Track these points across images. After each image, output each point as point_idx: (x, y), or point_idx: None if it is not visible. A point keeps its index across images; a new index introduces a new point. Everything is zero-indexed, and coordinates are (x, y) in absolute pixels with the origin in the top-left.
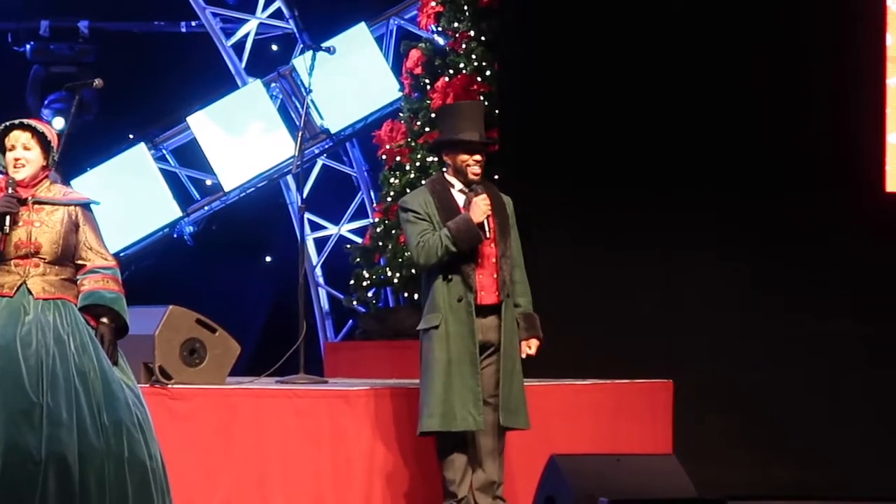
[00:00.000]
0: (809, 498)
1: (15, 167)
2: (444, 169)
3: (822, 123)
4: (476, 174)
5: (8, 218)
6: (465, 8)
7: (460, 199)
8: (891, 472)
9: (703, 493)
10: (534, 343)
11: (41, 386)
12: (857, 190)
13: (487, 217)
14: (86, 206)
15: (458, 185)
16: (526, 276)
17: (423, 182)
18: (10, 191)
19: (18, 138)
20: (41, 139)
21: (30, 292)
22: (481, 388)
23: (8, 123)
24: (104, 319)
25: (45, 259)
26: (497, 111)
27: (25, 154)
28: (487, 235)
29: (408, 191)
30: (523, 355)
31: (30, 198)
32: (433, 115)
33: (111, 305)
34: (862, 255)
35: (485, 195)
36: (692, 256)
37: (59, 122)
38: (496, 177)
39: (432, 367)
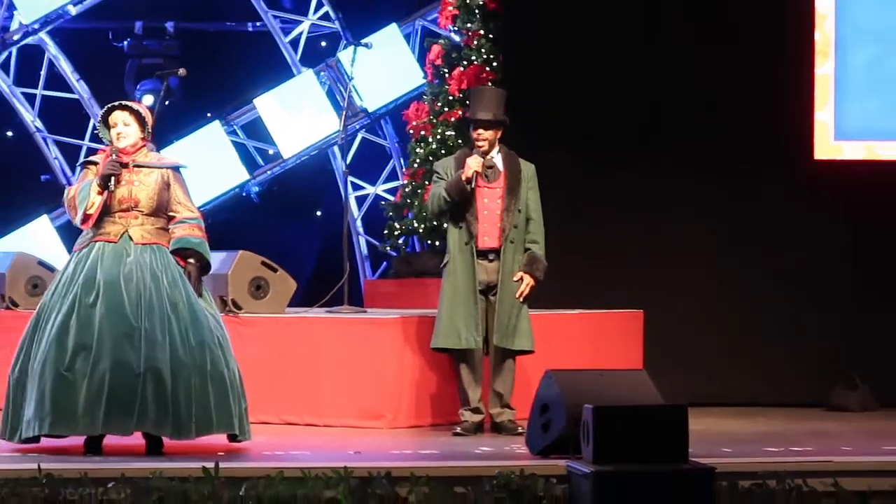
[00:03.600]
0: (756, 404)
1: (118, 139)
2: None
3: (765, 104)
4: (480, 146)
5: (113, 178)
6: (476, 11)
7: None
8: (806, 382)
9: (668, 401)
10: (526, 278)
11: (140, 313)
12: (791, 156)
13: (476, 174)
14: (176, 168)
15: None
16: (542, 230)
17: (443, 151)
18: (114, 157)
19: (119, 117)
20: (138, 116)
21: (131, 239)
22: (481, 316)
23: (111, 105)
24: (191, 260)
25: (142, 212)
26: None
27: (125, 129)
28: (471, 187)
29: (431, 159)
30: (517, 293)
31: (130, 162)
32: (451, 98)
33: (197, 248)
34: (796, 208)
35: (477, 157)
36: (661, 217)
37: (147, 99)
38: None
39: (442, 297)
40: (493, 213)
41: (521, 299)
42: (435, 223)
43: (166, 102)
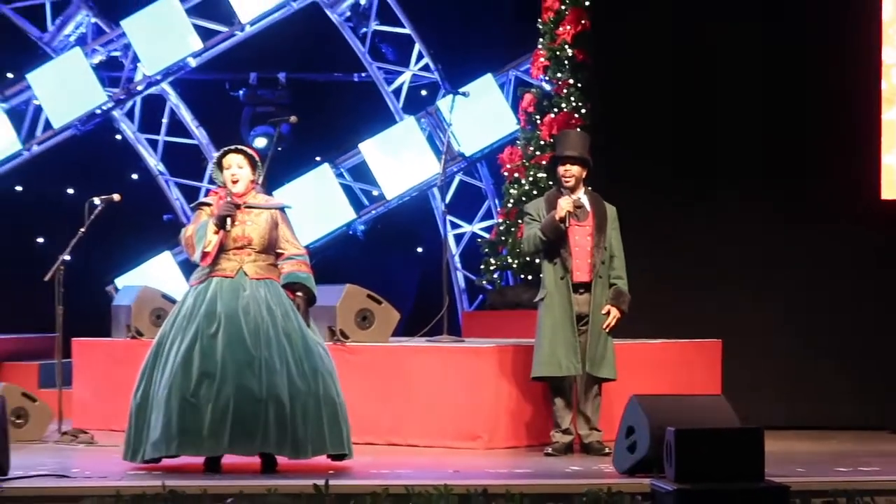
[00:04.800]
0: (826, 427)
1: (232, 181)
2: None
3: (836, 148)
4: (566, 183)
5: (229, 219)
6: (566, 62)
7: None
8: (874, 407)
9: (745, 424)
10: (613, 311)
11: (258, 343)
12: (860, 197)
13: (569, 214)
14: (282, 209)
15: (566, 193)
16: (624, 266)
17: (535, 192)
18: (228, 199)
19: (234, 160)
20: (251, 160)
21: (246, 274)
22: (579, 344)
23: (226, 149)
24: (299, 293)
25: (255, 249)
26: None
27: (239, 171)
28: (565, 226)
29: (524, 199)
30: (605, 324)
31: (242, 204)
32: (543, 143)
33: (305, 283)
34: (863, 245)
35: (568, 198)
36: (733, 258)
37: (260, 142)
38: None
39: (541, 329)
40: (583, 250)
41: (608, 330)
42: (528, 259)
43: (279, 148)
